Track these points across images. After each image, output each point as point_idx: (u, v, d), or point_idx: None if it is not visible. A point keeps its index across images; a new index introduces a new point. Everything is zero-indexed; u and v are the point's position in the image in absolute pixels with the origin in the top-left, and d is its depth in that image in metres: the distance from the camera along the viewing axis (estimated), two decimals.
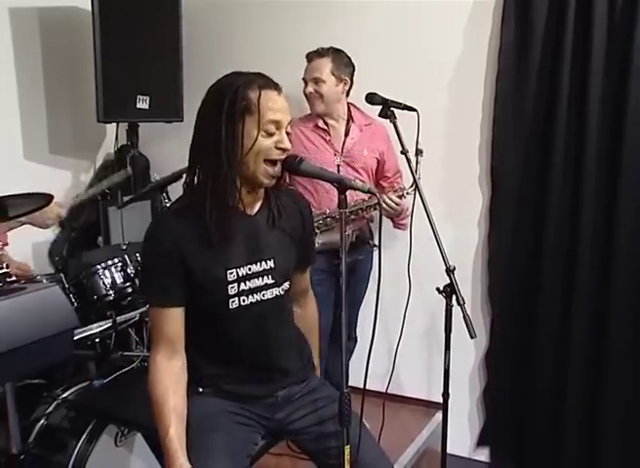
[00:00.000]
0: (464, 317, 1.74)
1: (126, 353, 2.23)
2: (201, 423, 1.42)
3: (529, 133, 2.38)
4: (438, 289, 1.84)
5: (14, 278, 1.63)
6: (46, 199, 1.70)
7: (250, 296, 1.45)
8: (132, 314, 2.20)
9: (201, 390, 1.49)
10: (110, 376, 2.06)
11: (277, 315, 1.52)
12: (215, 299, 1.43)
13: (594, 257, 2.29)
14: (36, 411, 1.98)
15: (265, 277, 1.47)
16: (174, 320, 1.41)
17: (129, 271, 2.24)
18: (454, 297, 1.80)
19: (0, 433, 1.75)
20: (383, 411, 2.22)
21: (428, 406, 2.76)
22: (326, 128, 2.40)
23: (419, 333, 2.71)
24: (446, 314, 1.85)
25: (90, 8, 2.54)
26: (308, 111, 2.45)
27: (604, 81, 2.21)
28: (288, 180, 2.19)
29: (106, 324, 2.11)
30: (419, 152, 2.08)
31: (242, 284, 1.44)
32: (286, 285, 1.52)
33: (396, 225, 2.45)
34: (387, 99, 2.08)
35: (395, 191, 2.28)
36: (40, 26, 2.80)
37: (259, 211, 1.48)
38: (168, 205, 2.20)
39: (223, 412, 1.48)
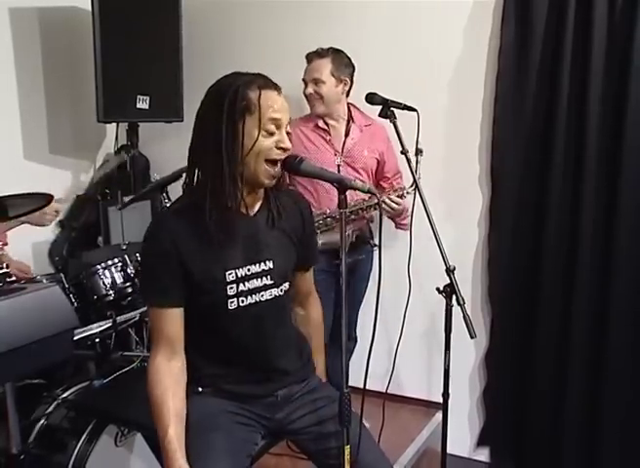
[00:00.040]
0: (464, 317, 1.74)
1: (126, 353, 2.23)
2: (201, 423, 1.42)
3: (529, 133, 2.38)
4: (438, 289, 1.84)
5: (14, 278, 1.63)
6: (46, 199, 1.71)
7: (249, 297, 1.45)
8: (132, 314, 2.20)
9: (201, 390, 1.49)
10: (110, 376, 2.06)
11: (276, 316, 1.52)
12: (213, 300, 1.43)
13: (594, 257, 2.29)
14: (36, 411, 1.98)
15: (264, 278, 1.47)
16: (173, 320, 1.41)
17: (129, 271, 2.24)
18: (454, 297, 1.80)
19: (0, 433, 1.75)
20: (383, 411, 2.22)
21: (428, 406, 2.76)
22: (326, 128, 2.40)
23: (419, 333, 2.71)
24: (446, 314, 1.85)
25: (90, 8, 2.54)
26: (308, 111, 2.45)
27: (604, 81, 2.21)
28: (288, 180, 2.21)
29: (106, 324, 2.11)
30: (418, 152, 2.08)
31: (241, 285, 1.43)
32: (285, 285, 1.52)
33: (397, 226, 2.45)
34: (387, 99, 2.08)
35: (395, 191, 2.28)
36: (40, 26, 2.80)
37: (258, 211, 1.48)
38: (168, 205, 2.20)
39: (223, 412, 1.48)
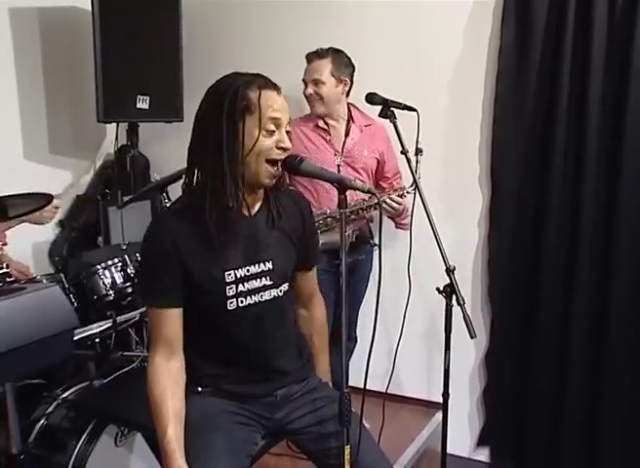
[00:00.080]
0: (464, 317, 1.74)
1: (126, 353, 2.23)
2: (201, 423, 1.42)
3: (529, 133, 2.38)
4: (438, 289, 1.84)
5: (13, 278, 1.63)
6: (46, 199, 1.71)
7: (248, 298, 1.45)
8: (132, 314, 2.20)
9: (200, 390, 1.49)
10: (110, 376, 2.06)
11: (275, 316, 1.52)
12: (213, 300, 1.43)
13: (594, 257, 2.28)
14: (36, 411, 1.98)
15: (264, 278, 1.47)
16: (172, 321, 1.41)
17: (129, 271, 2.24)
18: (454, 297, 1.80)
19: (0, 433, 1.75)
20: (383, 411, 2.22)
21: (428, 406, 2.76)
22: (326, 128, 2.40)
23: (419, 333, 2.70)
24: (446, 314, 1.85)
25: (90, 8, 2.54)
26: (308, 111, 2.45)
27: (604, 81, 2.21)
28: (288, 180, 2.20)
29: (106, 324, 2.11)
30: (418, 152, 2.08)
31: (240, 285, 1.43)
32: (285, 286, 1.52)
33: (397, 225, 2.45)
34: (387, 99, 2.08)
35: (395, 190, 2.28)
36: (40, 26, 2.80)
37: (258, 211, 1.48)
38: (168, 205, 2.20)
39: (223, 412, 1.48)
